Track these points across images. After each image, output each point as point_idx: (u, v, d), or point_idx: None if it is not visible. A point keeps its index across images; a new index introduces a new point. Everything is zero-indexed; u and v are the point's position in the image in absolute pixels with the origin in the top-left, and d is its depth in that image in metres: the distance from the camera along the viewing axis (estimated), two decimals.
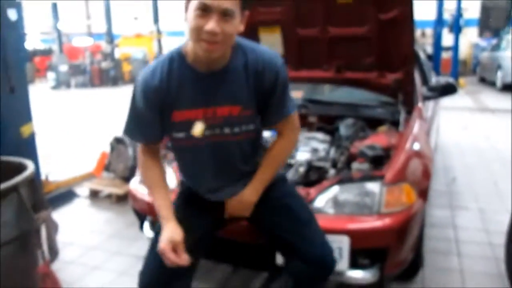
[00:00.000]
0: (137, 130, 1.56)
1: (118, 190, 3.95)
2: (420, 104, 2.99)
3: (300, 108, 3.03)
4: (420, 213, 2.21)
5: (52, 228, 1.96)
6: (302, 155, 2.52)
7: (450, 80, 3.76)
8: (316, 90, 3.43)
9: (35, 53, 19.57)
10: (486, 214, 3.52)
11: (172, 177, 2.34)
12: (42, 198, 1.94)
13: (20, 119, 3.27)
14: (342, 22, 2.86)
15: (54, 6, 16.55)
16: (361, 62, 2.97)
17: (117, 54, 16.65)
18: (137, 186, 2.64)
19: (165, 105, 1.46)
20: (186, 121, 1.48)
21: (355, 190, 2.12)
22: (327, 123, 3.02)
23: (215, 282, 2.50)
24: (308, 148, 2.59)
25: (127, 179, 3.81)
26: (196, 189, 1.68)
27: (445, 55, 12.80)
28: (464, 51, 14.84)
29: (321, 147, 2.63)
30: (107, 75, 15.88)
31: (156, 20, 17.49)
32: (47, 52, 19.65)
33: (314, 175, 2.40)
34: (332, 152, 2.61)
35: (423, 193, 2.29)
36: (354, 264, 2.04)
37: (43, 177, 3.88)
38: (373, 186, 2.10)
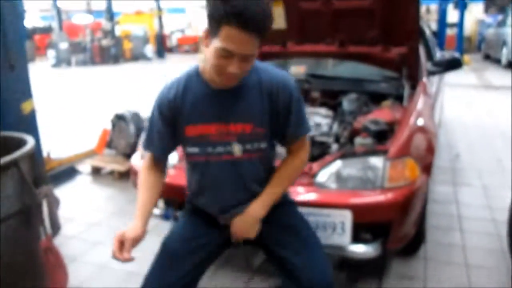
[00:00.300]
0: (148, 141, 1.60)
1: (119, 167, 3.95)
2: (424, 79, 2.94)
3: (302, 83, 2.99)
4: (423, 188, 2.19)
5: (54, 203, 1.94)
6: None
7: (455, 54, 3.70)
8: (319, 64, 3.37)
9: (35, 30, 19.40)
10: (490, 190, 3.50)
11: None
12: (43, 173, 1.92)
13: (20, 96, 3.25)
14: None
15: None
16: (365, 36, 2.91)
17: (118, 31, 16.49)
18: (138, 162, 2.63)
19: (179, 120, 1.51)
20: (199, 135, 1.51)
21: (358, 165, 2.10)
22: (330, 98, 2.98)
23: None
24: (311, 123, 2.56)
25: (128, 155, 3.80)
26: (205, 207, 1.65)
27: (450, 32, 12.64)
28: (469, 27, 14.64)
29: (324, 122, 2.59)
30: (107, 53, 15.76)
31: None
32: (47, 30, 19.48)
33: (317, 150, 2.38)
34: (335, 127, 2.58)
35: (427, 168, 2.26)
36: (356, 239, 2.04)
37: (45, 154, 3.88)
38: (376, 161, 2.08)
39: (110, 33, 15.78)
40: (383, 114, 2.52)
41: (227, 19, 1.27)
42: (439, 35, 10.87)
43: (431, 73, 3.20)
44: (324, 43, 3.07)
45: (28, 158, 1.89)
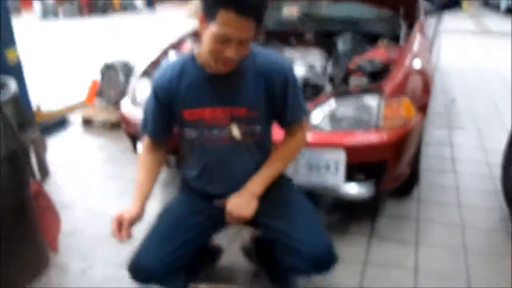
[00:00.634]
0: (144, 123, 1.60)
1: (110, 117, 3.88)
2: (422, 18, 2.84)
3: (295, 24, 2.88)
4: (418, 128, 2.16)
5: (41, 147, 1.90)
6: (298, 70, 2.41)
7: None
8: (313, 5, 3.24)
9: None
10: (484, 134, 3.49)
11: None
12: (28, 118, 1.86)
13: (3, 44, 3.14)
14: None
15: None
16: None
17: None
18: (128, 109, 2.57)
19: (175, 104, 1.51)
20: (196, 119, 1.50)
21: (352, 104, 2.05)
22: (324, 39, 2.88)
23: None
24: (304, 63, 2.48)
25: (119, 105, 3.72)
26: (200, 189, 1.63)
27: None
28: None
29: (318, 63, 2.52)
30: (96, 4, 15.24)
31: None
32: None
33: (310, 92, 2.32)
34: (329, 68, 2.51)
35: (423, 108, 2.22)
36: (350, 180, 2.02)
37: (34, 107, 3.80)
38: (371, 100, 2.03)
39: None
40: (378, 53, 2.44)
41: (223, 4, 1.25)
42: None
43: (428, 13, 3.09)
44: None
45: (12, 102, 1.82)
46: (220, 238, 2.13)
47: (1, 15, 3.07)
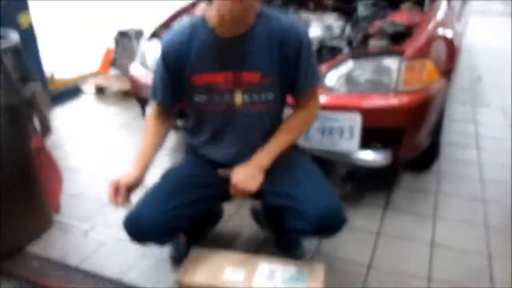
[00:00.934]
0: (154, 89, 1.54)
1: (124, 86, 3.81)
2: None
3: None
4: (441, 94, 2.02)
5: (42, 101, 1.83)
6: (314, 31, 2.27)
7: None
8: None
9: None
10: (509, 112, 3.31)
11: None
12: (29, 70, 1.79)
13: (17, 7, 3.12)
14: None
15: None
16: None
17: None
18: (137, 71, 2.49)
19: (184, 69, 1.45)
20: (206, 84, 1.44)
21: (371, 66, 1.92)
22: (344, 4, 2.73)
23: None
24: (321, 25, 2.34)
25: None
26: (207, 157, 1.55)
27: None
28: None
29: (336, 24, 2.37)
30: None
31: None
32: None
33: (327, 56, 2.18)
34: (348, 30, 2.37)
35: (446, 74, 2.08)
36: (365, 147, 1.91)
37: (48, 75, 3.76)
38: (391, 62, 1.90)
39: None
40: (401, 16, 2.30)
41: None
42: None
43: None
44: None
45: (12, 53, 1.77)
46: (230, 203, 2.06)
47: None
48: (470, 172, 2.43)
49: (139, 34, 3.96)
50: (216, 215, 1.89)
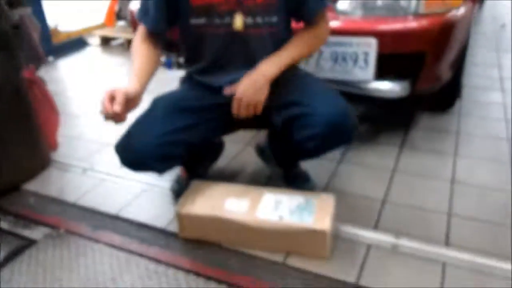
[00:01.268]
0: (144, 11, 1.36)
1: (129, 36, 3.68)
2: None
3: None
4: (466, 19, 1.84)
5: (32, 28, 1.70)
6: None
7: None
8: None
9: None
10: None
11: None
12: None
13: None
14: None
15: None
16: None
17: None
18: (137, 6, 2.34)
19: None
20: (206, 4, 1.30)
21: None
22: None
23: None
24: None
25: None
26: (207, 83, 1.40)
27: None
28: None
29: None
30: None
31: None
32: None
33: None
34: None
35: None
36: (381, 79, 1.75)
37: (52, 26, 3.64)
38: None
39: None
40: None
41: None
42: None
43: None
44: None
45: None
46: (235, 141, 1.95)
47: None
48: (494, 113, 2.26)
49: None
50: (217, 148, 1.77)
